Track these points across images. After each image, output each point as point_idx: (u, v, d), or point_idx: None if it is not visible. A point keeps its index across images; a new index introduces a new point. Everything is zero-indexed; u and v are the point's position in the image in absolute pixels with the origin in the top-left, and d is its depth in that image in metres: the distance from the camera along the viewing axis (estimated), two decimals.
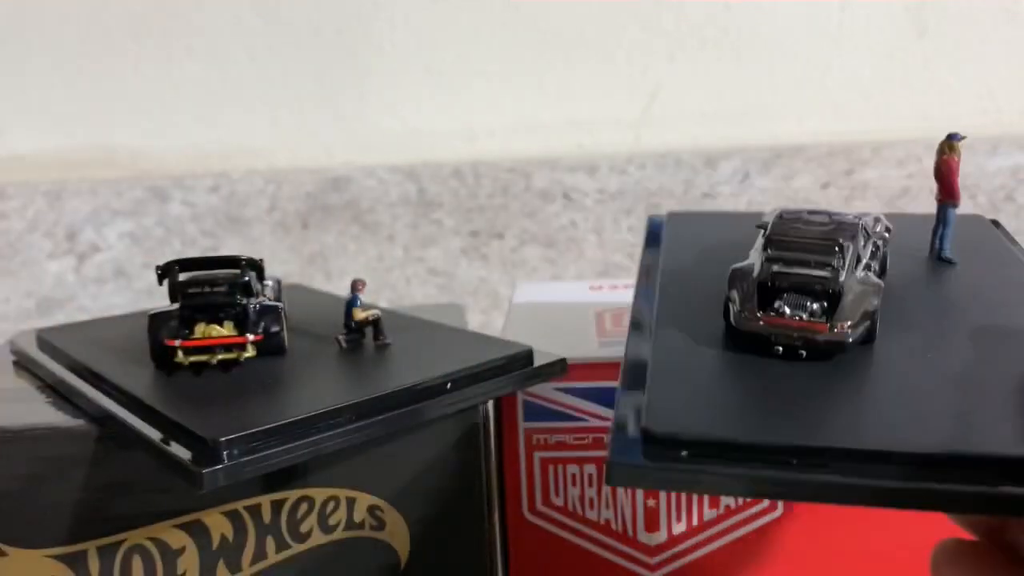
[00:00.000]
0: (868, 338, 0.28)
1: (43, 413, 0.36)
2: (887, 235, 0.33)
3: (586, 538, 0.41)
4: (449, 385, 0.35)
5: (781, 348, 0.27)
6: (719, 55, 0.72)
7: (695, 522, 0.40)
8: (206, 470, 0.29)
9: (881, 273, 0.32)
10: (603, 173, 0.71)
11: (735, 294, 0.29)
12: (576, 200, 0.71)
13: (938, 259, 0.35)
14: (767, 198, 0.71)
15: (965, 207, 0.75)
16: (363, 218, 0.71)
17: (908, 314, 0.30)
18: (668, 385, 0.26)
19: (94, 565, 0.36)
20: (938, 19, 0.71)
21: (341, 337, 0.39)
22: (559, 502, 0.40)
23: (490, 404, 0.40)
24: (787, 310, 0.27)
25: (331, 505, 0.37)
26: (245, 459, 0.30)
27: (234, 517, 0.36)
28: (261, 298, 0.38)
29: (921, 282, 0.33)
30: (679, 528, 0.40)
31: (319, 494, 0.37)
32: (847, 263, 0.28)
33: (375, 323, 0.39)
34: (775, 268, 0.28)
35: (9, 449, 0.35)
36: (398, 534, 0.37)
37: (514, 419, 0.39)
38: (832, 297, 0.27)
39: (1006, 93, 0.72)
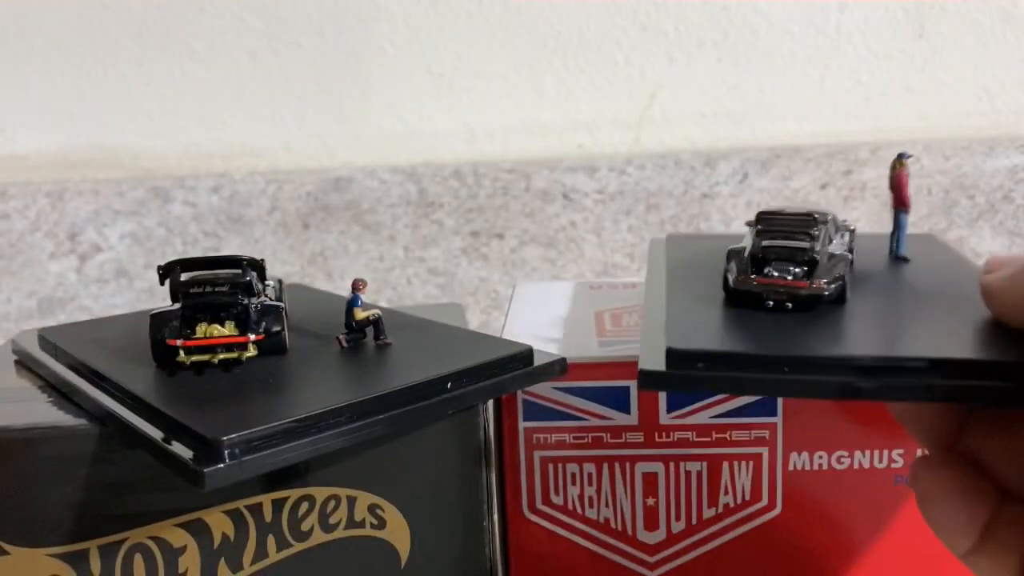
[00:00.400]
0: (840, 298, 0.35)
1: (45, 413, 0.36)
2: (853, 231, 0.40)
3: (586, 537, 0.41)
4: (449, 385, 0.35)
5: (771, 302, 0.34)
6: (718, 56, 0.72)
7: (694, 520, 0.40)
8: (208, 469, 0.29)
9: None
10: (603, 174, 0.71)
11: (732, 265, 0.35)
12: (576, 200, 0.71)
13: (895, 257, 0.42)
14: (766, 198, 0.71)
15: (963, 207, 0.75)
16: (364, 218, 0.71)
17: (872, 290, 0.37)
18: (683, 321, 0.33)
19: (95, 564, 0.36)
20: (936, 20, 0.71)
21: (342, 337, 0.39)
22: (559, 501, 0.40)
23: (490, 403, 0.40)
24: (775, 273, 0.34)
25: (332, 504, 0.37)
26: (247, 458, 0.30)
27: (235, 516, 0.36)
28: (262, 298, 0.38)
29: (882, 271, 0.41)
30: (678, 526, 0.40)
31: (320, 493, 0.37)
32: (822, 237, 0.35)
33: (376, 323, 0.39)
34: (764, 242, 0.35)
35: (11, 448, 0.35)
36: (399, 533, 0.38)
37: (514, 418, 0.39)
38: (811, 263, 0.34)
39: (1003, 94, 0.72)
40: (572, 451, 0.40)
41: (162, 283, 0.38)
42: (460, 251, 0.72)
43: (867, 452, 0.39)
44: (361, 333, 0.39)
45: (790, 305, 0.34)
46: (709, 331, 0.33)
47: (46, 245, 0.71)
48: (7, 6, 0.71)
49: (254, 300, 0.37)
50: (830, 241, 0.36)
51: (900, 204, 0.43)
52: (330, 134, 0.73)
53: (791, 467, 0.39)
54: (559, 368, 0.37)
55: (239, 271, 0.38)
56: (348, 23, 0.72)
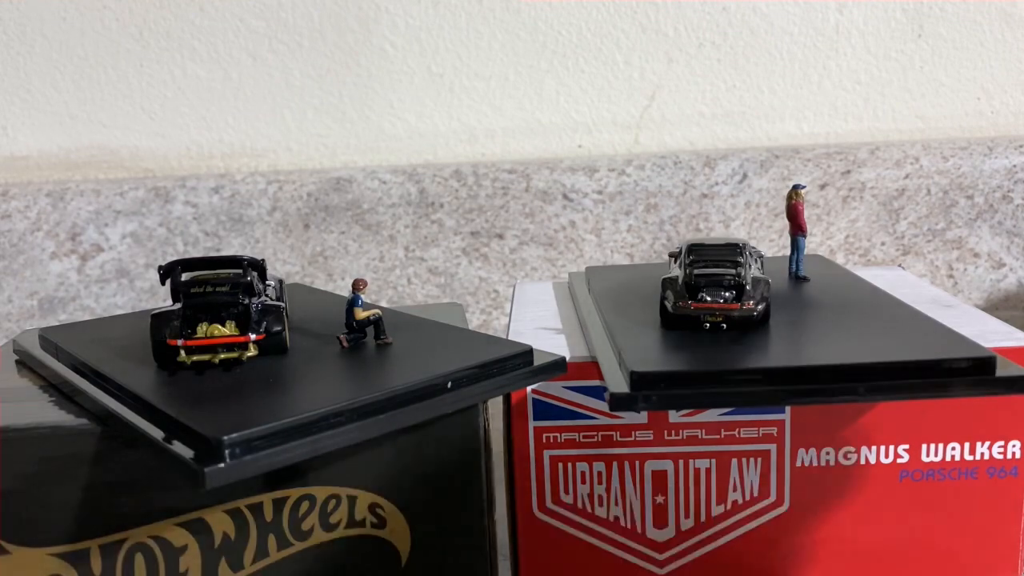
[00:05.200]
0: (765, 316, 0.39)
1: (45, 412, 0.37)
2: (763, 256, 0.44)
3: (595, 535, 0.41)
4: (449, 384, 0.35)
5: (708, 324, 0.38)
6: (717, 57, 0.72)
7: (703, 518, 0.40)
8: (208, 468, 0.29)
9: None
10: (602, 174, 0.71)
11: (669, 294, 0.39)
12: (575, 200, 0.71)
13: (796, 277, 0.47)
14: (765, 198, 0.71)
15: (962, 207, 0.75)
16: (364, 218, 0.72)
17: (788, 307, 0.42)
18: (636, 346, 0.36)
19: (96, 563, 0.36)
20: (935, 21, 0.71)
21: (343, 336, 0.39)
22: (568, 500, 0.40)
23: (499, 403, 0.40)
24: (709, 298, 0.38)
25: (332, 503, 0.37)
26: (247, 458, 0.30)
27: (236, 515, 0.36)
28: (263, 298, 0.38)
29: (790, 291, 0.45)
30: (687, 524, 0.40)
31: (320, 492, 0.37)
32: (746, 263, 0.39)
33: (376, 323, 0.39)
34: (696, 271, 0.39)
35: (12, 448, 0.35)
36: (399, 532, 0.38)
37: (524, 418, 0.40)
38: (739, 287, 0.38)
39: (1002, 94, 0.73)
40: (582, 450, 0.40)
41: (163, 283, 0.38)
42: (460, 251, 0.72)
43: (873, 448, 0.39)
44: (362, 333, 0.39)
45: (725, 326, 0.37)
46: (663, 354, 0.36)
47: (47, 245, 0.71)
48: (8, 7, 0.72)
49: (255, 300, 0.37)
50: (751, 267, 0.40)
51: (798, 230, 0.47)
52: (330, 134, 0.73)
53: (799, 463, 0.40)
54: (558, 367, 0.38)
55: (240, 271, 0.38)
56: (349, 24, 0.72)
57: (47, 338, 0.42)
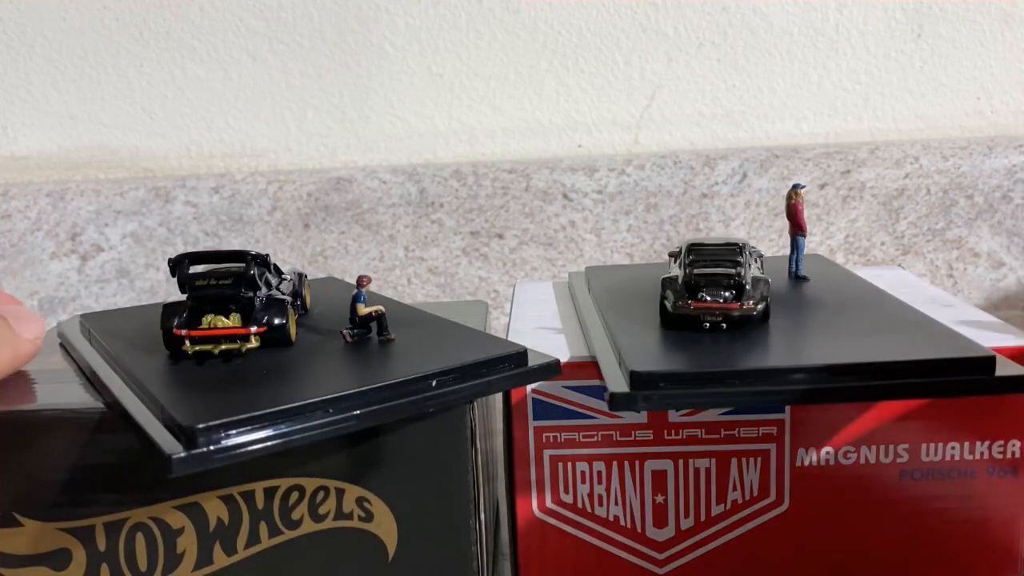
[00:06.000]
0: (765, 316, 0.39)
1: (65, 395, 0.38)
2: (762, 256, 0.44)
3: (595, 535, 0.41)
4: (434, 383, 0.35)
5: (707, 324, 0.38)
6: (717, 57, 0.72)
7: (703, 517, 0.40)
8: (175, 456, 0.29)
9: None
10: (602, 174, 0.71)
11: (668, 293, 0.39)
12: (575, 200, 0.71)
13: (796, 277, 0.47)
14: (765, 198, 0.71)
15: (962, 207, 0.75)
16: (364, 218, 0.72)
17: (786, 307, 0.42)
18: (636, 346, 0.37)
19: (101, 540, 0.37)
20: (935, 20, 0.72)
21: (346, 332, 0.39)
22: (568, 499, 0.40)
23: (498, 403, 0.40)
24: (708, 298, 0.38)
25: (321, 495, 0.37)
26: (217, 447, 0.30)
27: (229, 501, 0.37)
28: (273, 291, 0.39)
29: (790, 290, 0.46)
30: (687, 523, 0.40)
31: (310, 484, 0.37)
32: (746, 263, 0.39)
33: (379, 319, 0.39)
34: (696, 270, 0.39)
35: (27, 428, 0.36)
36: (386, 527, 0.38)
37: (524, 418, 0.40)
38: (739, 287, 0.38)
39: (1002, 94, 0.73)
40: (582, 449, 0.40)
41: (174, 275, 0.39)
42: (460, 251, 0.72)
43: (873, 447, 0.39)
44: (366, 328, 0.39)
45: (724, 325, 0.38)
46: (662, 353, 0.36)
47: (47, 245, 0.71)
48: (9, 6, 0.72)
49: (260, 293, 0.38)
50: (751, 267, 0.40)
51: (798, 229, 0.47)
52: (331, 134, 0.74)
53: (798, 463, 0.40)
54: (552, 370, 0.37)
55: (243, 265, 0.38)
56: (348, 23, 0.72)
57: (84, 324, 0.44)
